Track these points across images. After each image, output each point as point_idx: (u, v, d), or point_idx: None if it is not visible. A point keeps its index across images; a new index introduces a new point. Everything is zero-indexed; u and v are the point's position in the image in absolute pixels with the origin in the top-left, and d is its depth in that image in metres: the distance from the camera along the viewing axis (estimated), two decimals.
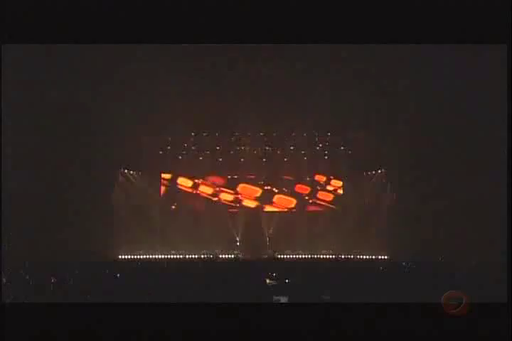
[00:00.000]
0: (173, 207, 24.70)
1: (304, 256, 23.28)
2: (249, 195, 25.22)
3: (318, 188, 25.31)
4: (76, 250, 19.39)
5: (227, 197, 25.10)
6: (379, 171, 25.43)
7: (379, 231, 23.86)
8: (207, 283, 9.13)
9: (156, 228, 23.60)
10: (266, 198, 25.05)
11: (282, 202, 25.20)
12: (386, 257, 23.70)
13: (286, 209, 25.20)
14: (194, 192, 25.01)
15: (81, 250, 19.47)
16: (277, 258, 21.73)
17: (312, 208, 25.25)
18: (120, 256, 22.70)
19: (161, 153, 24.24)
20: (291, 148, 24.44)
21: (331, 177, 25.34)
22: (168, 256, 22.76)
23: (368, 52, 20.14)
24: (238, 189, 25.02)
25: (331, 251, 23.39)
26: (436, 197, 24.16)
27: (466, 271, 12.49)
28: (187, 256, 22.95)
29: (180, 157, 24.44)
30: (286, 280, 10.01)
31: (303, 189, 25.22)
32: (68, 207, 22.07)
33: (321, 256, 23.24)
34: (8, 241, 17.82)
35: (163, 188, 24.95)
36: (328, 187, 25.48)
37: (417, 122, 24.49)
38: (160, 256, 22.82)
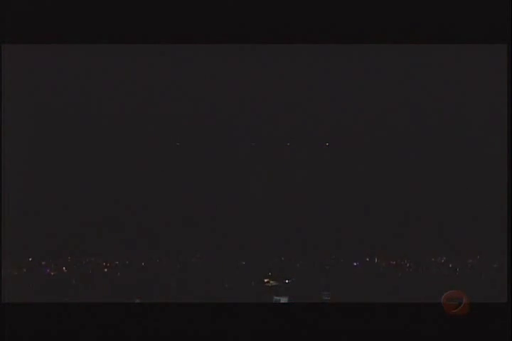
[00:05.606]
0: None
1: None
2: None
3: None
4: None
5: None
6: None
7: None
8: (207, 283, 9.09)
9: None
10: None
11: None
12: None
13: None
14: None
15: None
16: None
17: None
18: None
19: None
20: None
21: None
22: None
23: (367, 52, 20.05)
24: None
25: None
26: (434, 194, 24.01)
27: (467, 270, 12.44)
28: None
29: None
30: (287, 281, 9.95)
31: None
32: None
33: None
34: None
35: None
36: None
37: (416, 122, 24.37)
38: None
